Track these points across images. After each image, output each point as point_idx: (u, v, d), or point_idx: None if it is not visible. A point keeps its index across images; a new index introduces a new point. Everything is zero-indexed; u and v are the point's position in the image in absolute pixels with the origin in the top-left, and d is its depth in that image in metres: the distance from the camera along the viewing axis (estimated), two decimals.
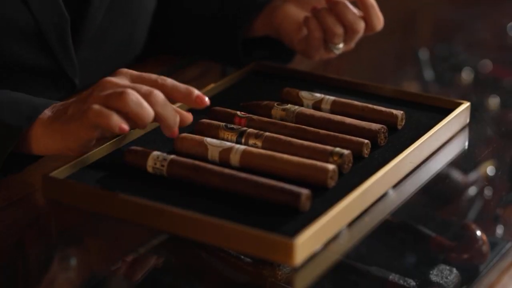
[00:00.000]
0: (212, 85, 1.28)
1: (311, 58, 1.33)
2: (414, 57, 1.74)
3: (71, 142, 1.02)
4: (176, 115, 1.02)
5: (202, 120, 1.13)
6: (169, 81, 1.04)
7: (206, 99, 1.04)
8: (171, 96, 1.03)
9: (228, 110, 1.16)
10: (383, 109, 1.17)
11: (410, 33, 1.92)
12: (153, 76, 1.04)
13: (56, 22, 1.20)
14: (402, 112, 1.16)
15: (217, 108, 1.17)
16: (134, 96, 0.98)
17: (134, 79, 1.04)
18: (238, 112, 1.15)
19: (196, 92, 1.04)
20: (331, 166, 1.00)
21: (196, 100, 1.03)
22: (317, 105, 1.20)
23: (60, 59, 1.22)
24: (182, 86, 1.04)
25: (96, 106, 0.98)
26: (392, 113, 1.16)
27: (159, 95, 1.00)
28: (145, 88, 1.00)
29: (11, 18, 1.16)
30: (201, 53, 1.42)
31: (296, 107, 1.17)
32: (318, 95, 1.21)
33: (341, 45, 1.30)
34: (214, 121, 1.13)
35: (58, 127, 1.03)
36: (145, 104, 0.99)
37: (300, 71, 1.33)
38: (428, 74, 1.72)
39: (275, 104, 1.18)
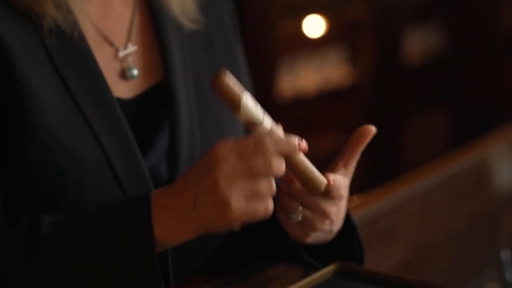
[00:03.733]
0: (294, 286, 1.29)
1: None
2: (496, 258, 1.74)
3: (215, 229, 1.09)
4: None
5: None
6: (268, 144, 1.08)
7: (306, 146, 1.12)
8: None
9: None
10: None
11: (492, 234, 1.92)
12: (252, 144, 1.08)
13: None
14: None
15: None
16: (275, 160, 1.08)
17: (238, 154, 1.08)
18: None
19: (297, 140, 1.11)
20: None
21: (300, 148, 1.11)
22: None
23: None
24: (283, 142, 1.10)
25: (236, 204, 1.06)
26: None
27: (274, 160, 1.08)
28: (261, 160, 1.08)
29: (105, 197, 1.20)
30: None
31: None
32: None
33: (299, 216, 1.26)
34: None
35: (195, 219, 1.08)
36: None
37: (382, 274, 1.34)
38: (510, 275, 1.72)
39: None
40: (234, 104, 1.09)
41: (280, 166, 1.09)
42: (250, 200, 1.07)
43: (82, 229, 1.12)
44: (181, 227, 1.10)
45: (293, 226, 1.27)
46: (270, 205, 1.09)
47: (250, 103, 1.10)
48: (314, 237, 1.28)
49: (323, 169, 1.25)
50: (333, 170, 1.25)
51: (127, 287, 1.10)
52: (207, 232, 1.10)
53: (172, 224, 1.09)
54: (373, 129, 1.26)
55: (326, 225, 1.25)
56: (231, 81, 1.09)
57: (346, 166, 1.26)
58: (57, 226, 1.13)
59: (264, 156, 1.07)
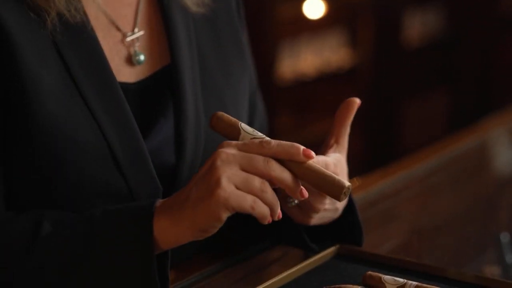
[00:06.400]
0: (294, 268, 1.30)
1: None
2: (495, 241, 1.74)
3: (204, 222, 1.07)
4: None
5: None
6: (273, 143, 1.09)
7: (312, 153, 1.10)
8: (279, 157, 1.09)
9: None
10: None
11: (491, 217, 1.93)
12: (256, 141, 1.09)
13: (149, 192, 1.24)
14: None
15: None
16: (275, 163, 1.07)
17: (240, 148, 1.09)
18: None
19: (302, 147, 1.09)
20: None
21: (304, 154, 1.09)
22: None
23: None
24: (286, 144, 1.09)
25: (226, 183, 1.05)
26: None
27: (275, 163, 1.08)
28: (262, 158, 1.07)
29: (106, 183, 1.21)
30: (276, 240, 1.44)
31: None
32: (401, 280, 1.22)
33: (296, 199, 1.26)
34: None
35: (186, 212, 1.08)
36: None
37: (382, 256, 1.35)
38: (510, 258, 1.72)
39: None
40: (235, 129, 1.13)
41: (277, 170, 1.09)
42: (241, 189, 1.07)
43: (82, 230, 1.13)
44: (175, 227, 1.09)
45: (294, 210, 1.27)
46: (258, 202, 1.08)
47: (247, 126, 1.14)
48: (319, 218, 1.28)
49: (318, 150, 1.25)
50: (325, 148, 1.25)
51: None
52: (199, 229, 1.09)
53: (168, 224, 1.10)
54: (357, 101, 1.27)
55: (326, 204, 1.26)
56: (225, 114, 1.14)
57: (338, 142, 1.26)
58: (58, 226, 1.13)
59: (265, 156, 1.08)
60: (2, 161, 1.19)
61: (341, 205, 1.29)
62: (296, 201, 1.24)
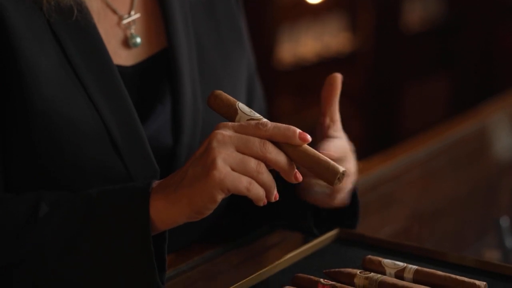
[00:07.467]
0: (293, 253, 1.30)
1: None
2: (495, 225, 1.74)
3: (199, 203, 1.07)
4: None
5: (286, 287, 1.15)
6: (269, 125, 1.09)
7: (308, 136, 1.09)
8: (275, 140, 1.08)
9: (311, 277, 1.18)
10: (466, 279, 1.17)
11: (491, 201, 1.93)
12: (253, 123, 1.09)
13: (147, 174, 1.24)
14: (484, 283, 1.17)
15: (300, 275, 1.19)
16: (271, 145, 1.07)
17: (236, 130, 1.08)
18: (321, 280, 1.17)
19: (298, 130, 1.09)
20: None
21: (300, 137, 1.09)
22: (399, 274, 1.21)
23: None
24: (282, 127, 1.09)
25: (222, 164, 1.05)
26: (475, 284, 1.16)
27: (271, 145, 1.08)
28: (258, 140, 1.07)
29: (104, 166, 1.21)
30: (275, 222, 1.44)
31: (379, 275, 1.18)
32: (400, 264, 1.22)
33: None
34: None
35: (182, 192, 1.07)
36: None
37: (382, 240, 1.35)
38: (510, 242, 1.72)
39: (358, 272, 1.19)
40: (232, 109, 1.12)
41: (273, 153, 1.08)
42: (236, 170, 1.07)
43: (79, 211, 1.13)
44: (171, 207, 1.09)
45: (321, 196, 1.27)
46: (253, 184, 1.08)
47: (244, 106, 1.13)
48: (340, 198, 1.28)
49: (315, 133, 1.25)
50: (323, 129, 1.26)
51: (120, 272, 1.11)
52: (193, 210, 1.09)
53: (164, 204, 1.10)
54: (339, 75, 1.27)
55: (351, 183, 1.27)
56: (223, 93, 1.13)
57: (332, 119, 1.26)
58: (55, 207, 1.13)
59: (262, 138, 1.08)
60: (1, 144, 1.19)
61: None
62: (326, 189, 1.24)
